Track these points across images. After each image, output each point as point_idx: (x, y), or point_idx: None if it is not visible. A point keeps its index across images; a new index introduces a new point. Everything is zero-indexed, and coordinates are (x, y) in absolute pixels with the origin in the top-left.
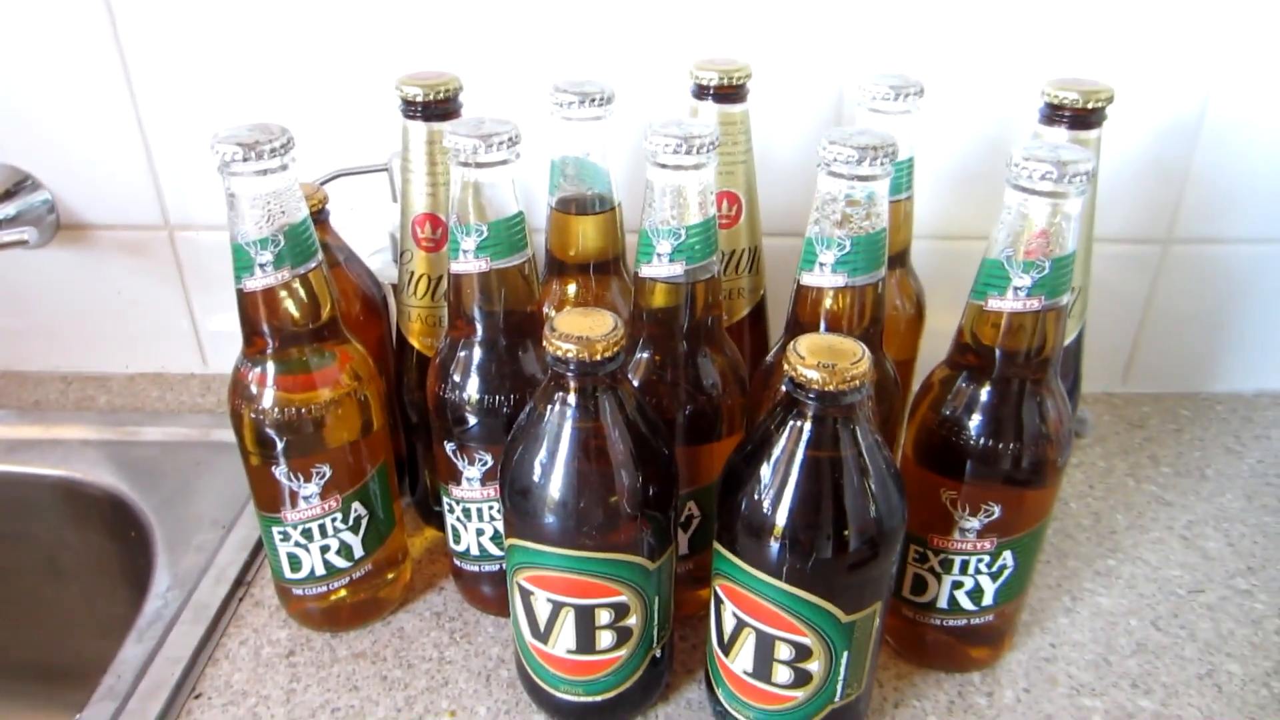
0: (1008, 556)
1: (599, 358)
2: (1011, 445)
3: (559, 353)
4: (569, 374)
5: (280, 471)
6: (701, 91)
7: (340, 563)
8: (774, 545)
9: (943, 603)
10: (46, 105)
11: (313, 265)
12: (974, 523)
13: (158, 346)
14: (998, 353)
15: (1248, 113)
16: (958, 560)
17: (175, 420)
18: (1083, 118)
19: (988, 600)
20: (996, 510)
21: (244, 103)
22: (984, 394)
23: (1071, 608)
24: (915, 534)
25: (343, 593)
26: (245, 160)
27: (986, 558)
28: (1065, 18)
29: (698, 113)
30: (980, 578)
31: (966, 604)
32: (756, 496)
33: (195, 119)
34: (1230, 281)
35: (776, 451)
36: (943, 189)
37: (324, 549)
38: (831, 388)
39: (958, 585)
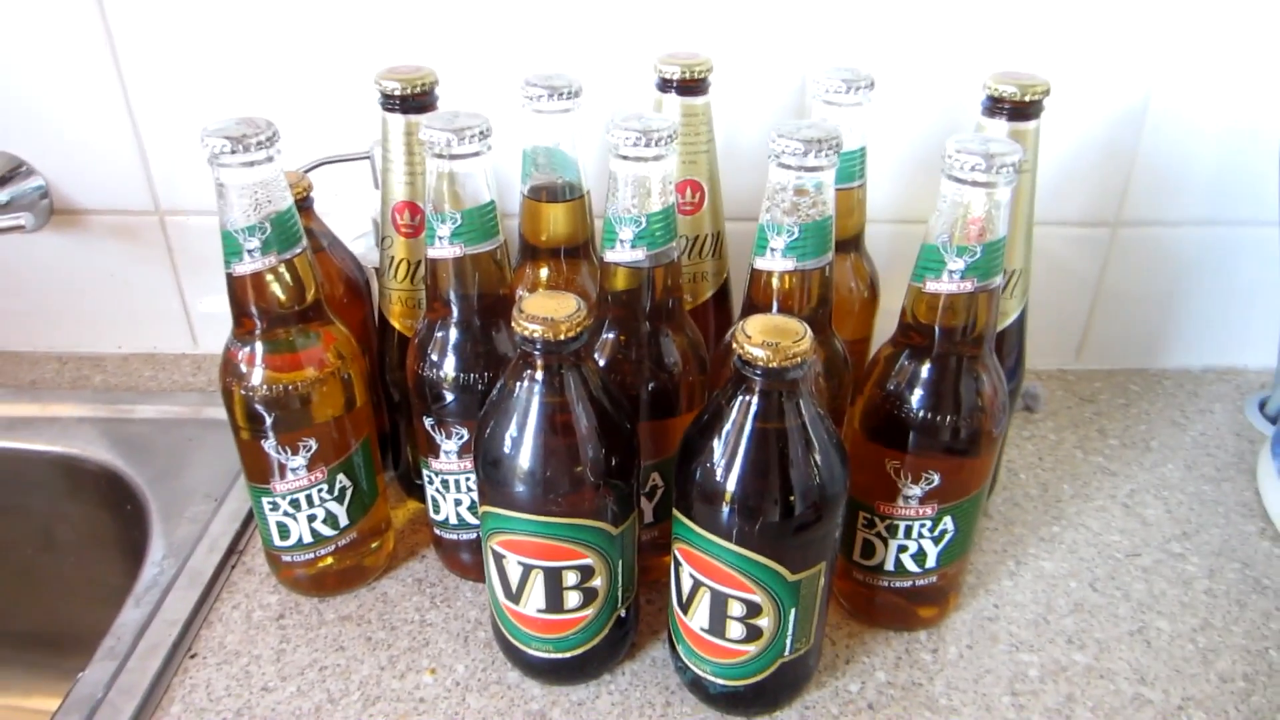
0: (948, 521)
1: (563, 337)
2: (948, 417)
3: (526, 333)
4: (535, 353)
5: (269, 445)
6: (665, 85)
7: (326, 531)
8: (725, 510)
9: (889, 565)
10: (40, 93)
11: (298, 251)
12: (916, 490)
13: (150, 327)
14: (936, 331)
15: (1189, 103)
16: (902, 525)
17: (168, 398)
18: (1021, 110)
19: (931, 563)
20: (936, 478)
21: (231, 92)
22: (923, 370)
23: (1015, 571)
24: (863, 501)
25: (329, 560)
26: (233, 153)
27: (928, 523)
28: (1018, 14)
29: (662, 105)
30: (923, 541)
31: (911, 566)
32: (709, 465)
33: (184, 107)
34: (1177, 262)
35: (727, 424)
36: (901, 175)
37: (311, 518)
38: (775, 364)
39: (903, 549)
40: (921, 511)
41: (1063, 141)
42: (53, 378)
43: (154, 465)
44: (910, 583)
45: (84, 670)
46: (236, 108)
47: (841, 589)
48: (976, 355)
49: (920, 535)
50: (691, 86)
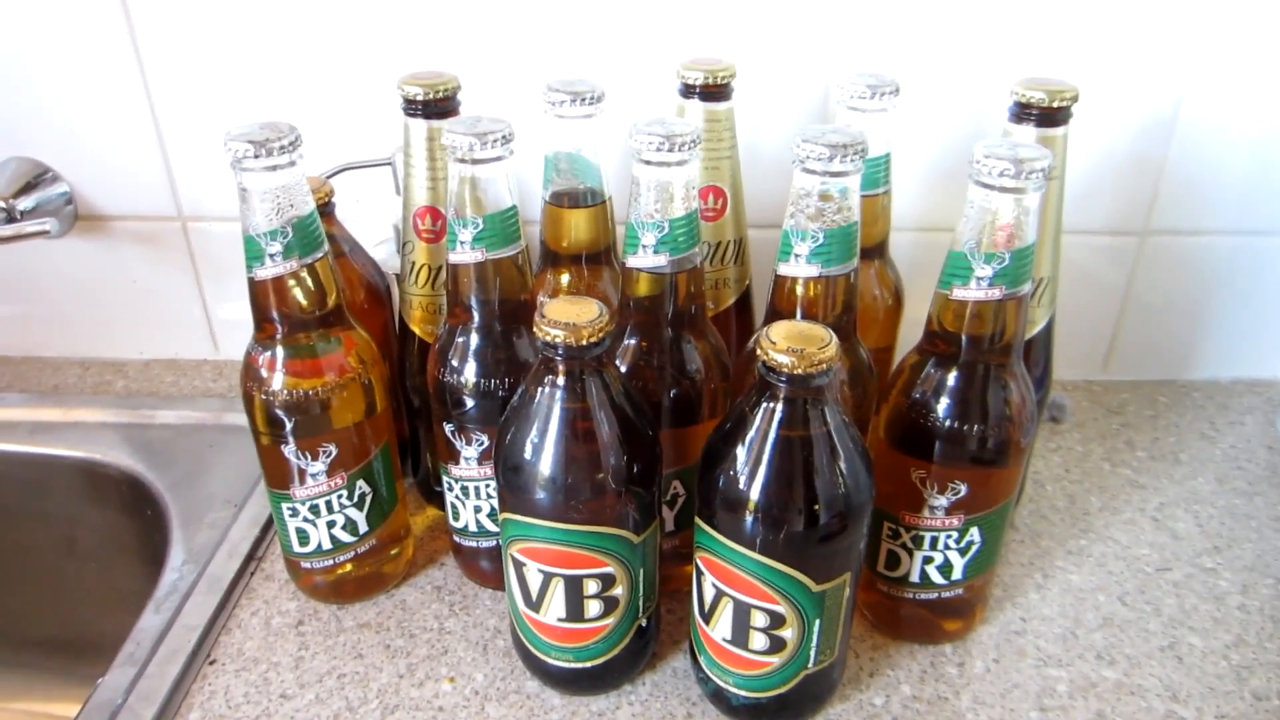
0: (974, 532)
1: (585, 342)
2: (975, 427)
3: (548, 338)
4: (557, 358)
5: (289, 450)
6: (688, 90)
7: (346, 538)
8: (748, 519)
9: (914, 577)
10: (66, 101)
11: (319, 255)
12: (942, 500)
13: (171, 333)
14: (963, 339)
15: (1219, 111)
16: (928, 536)
17: (189, 404)
18: (1049, 116)
19: (957, 574)
20: (963, 488)
21: (254, 100)
22: (950, 378)
23: (1043, 584)
24: (887, 511)
25: (348, 567)
26: (256, 157)
27: (955, 533)
28: (1044, 20)
29: (684, 111)
30: (949, 553)
31: (937, 578)
32: (732, 473)
33: (207, 114)
34: (1206, 272)
35: (750, 431)
36: (926, 183)
37: (330, 524)
38: (799, 371)
39: (928, 560)
40: (948, 522)
41: (1090, 149)
42: (75, 383)
43: (175, 471)
44: (936, 595)
45: (104, 676)
46: (259, 114)
47: (866, 601)
48: (1004, 364)
49: (946, 546)
50: (714, 92)
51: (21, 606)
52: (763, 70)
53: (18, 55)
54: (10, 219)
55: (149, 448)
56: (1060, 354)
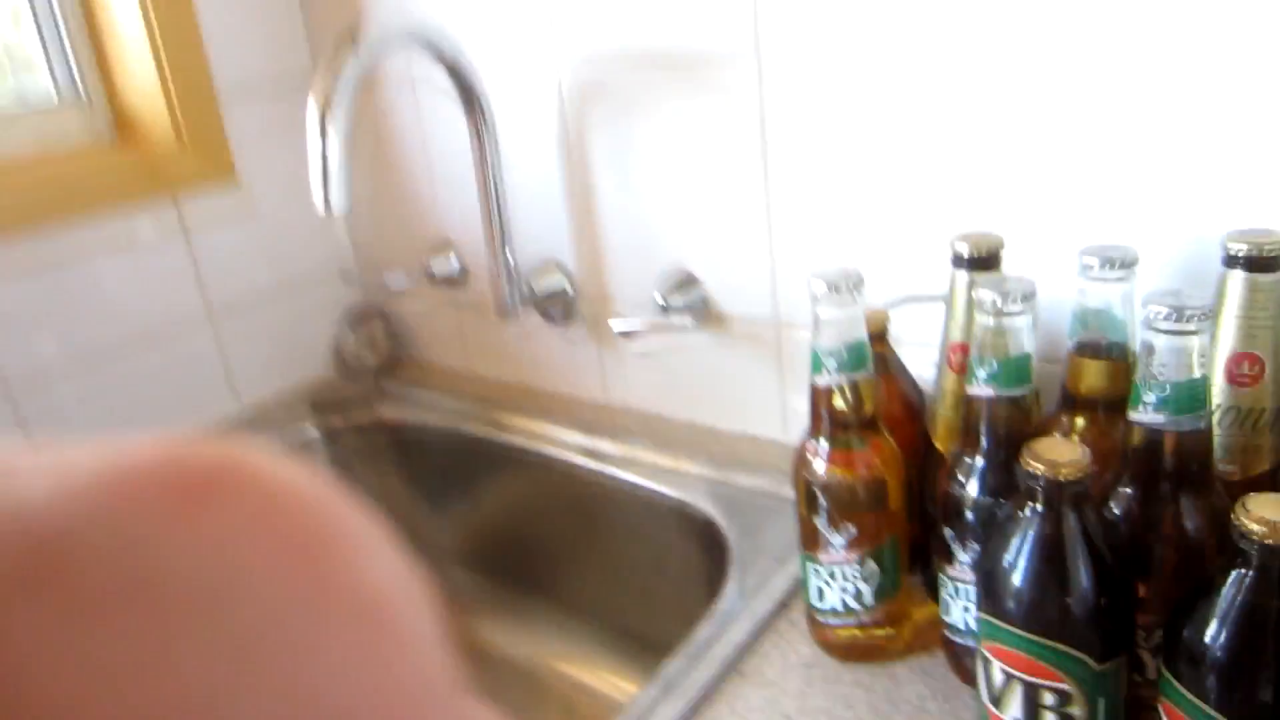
0: None
1: (1062, 478)
2: None
3: (1030, 469)
4: (1037, 487)
5: (820, 522)
6: (1232, 261)
7: (854, 605)
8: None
9: None
10: (709, 219)
11: (864, 374)
12: None
13: (755, 414)
14: None
15: None
16: None
17: (760, 473)
18: None
19: None
20: None
21: (836, 236)
22: None
23: None
24: None
25: (854, 631)
26: (829, 294)
27: None
28: None
29: (1227, 280)
30: None
31: None
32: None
33: (804, 241)
34: None
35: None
36: None
37: (843, 590)
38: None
39: None
40: None
41: None
42: (684, 439)
43: (741, 523)
44: None
45: (665, 664)
46: (839, 248)
47: None
48: None
49: None
50: (1262, 264)
51: (614, 600)
52: None
53: (685, 182)
54: (666, 312)
55: (726, 501)
56: None
